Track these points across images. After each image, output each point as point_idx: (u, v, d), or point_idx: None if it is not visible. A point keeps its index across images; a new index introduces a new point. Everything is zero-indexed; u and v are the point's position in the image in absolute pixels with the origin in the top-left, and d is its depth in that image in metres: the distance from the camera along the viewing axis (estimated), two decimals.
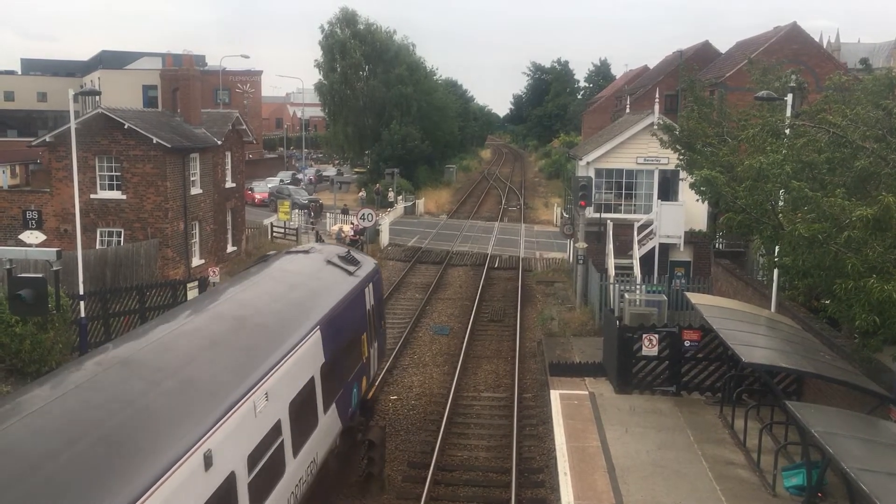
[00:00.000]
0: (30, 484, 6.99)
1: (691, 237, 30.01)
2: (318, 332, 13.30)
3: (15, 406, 8.34)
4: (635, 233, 30.09)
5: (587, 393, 19.28)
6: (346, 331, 15.25)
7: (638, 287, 26.49)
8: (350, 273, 17.02)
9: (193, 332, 11.32)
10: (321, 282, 15.87)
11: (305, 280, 15.57)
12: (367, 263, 18.91)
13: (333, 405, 14.03)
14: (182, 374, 9.72)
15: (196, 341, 10.96)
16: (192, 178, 33.29)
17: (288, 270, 16.04)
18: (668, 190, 31.73)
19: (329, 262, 17.17)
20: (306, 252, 18.03)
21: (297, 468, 11.69)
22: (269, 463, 10.37)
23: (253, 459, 9.80)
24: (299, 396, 11.91)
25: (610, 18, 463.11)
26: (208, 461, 8.54)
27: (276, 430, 10.82)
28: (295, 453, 11.54)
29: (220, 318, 12.17)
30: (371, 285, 18.00)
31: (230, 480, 9.05)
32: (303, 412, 12.08)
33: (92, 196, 30.89)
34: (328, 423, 13.62)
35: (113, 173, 31.25)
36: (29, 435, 7.74)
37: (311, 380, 12.67)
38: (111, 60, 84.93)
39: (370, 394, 18.74)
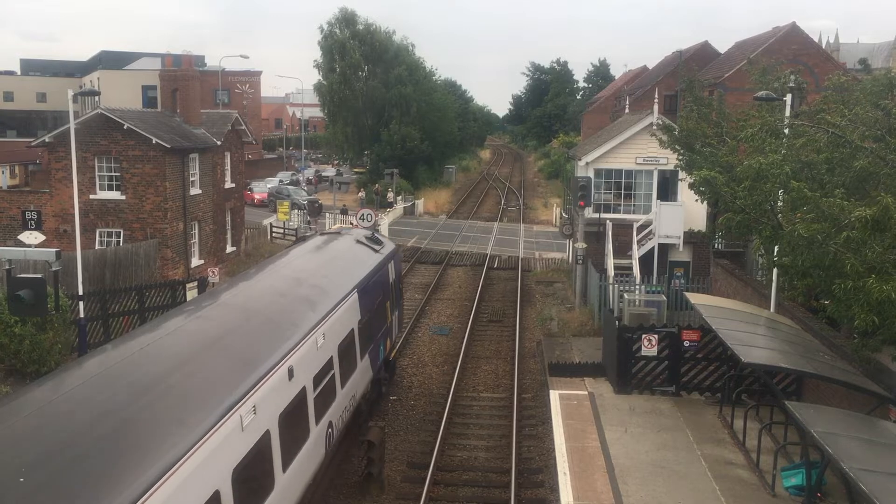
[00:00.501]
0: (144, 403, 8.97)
1: (690, 237, 30.02)
2: (356, 294, 16.71)
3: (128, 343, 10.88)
4: (634, 233, 30.10)
5: (587, 393, 19.28)
6: (375, 297, 18.50)
7: (637, 287, 26.50)
8: (375, 251, 20.21)
9: (267, 287, 14.82)
10: (354, 257, 19.18)
11: (341, 254, 18.96)
12: (389, 244, 22.41)
13: (367, 355, 17.45)
14: (267, 314, 13.19)
15: (268, 294, 14.28)
16: (191, 179, 33.28)
17: (326, 247, 19.39)
18: (667, 190, 31.75)
19: (358, 241, 20.43)
20: (338, 233, 21.30)
21: (343, 398, 15.19)
22: (326, 387, 13.96)
23: (316, 380, 13.36)
24: (344, 342, 15.34)
25: (609, 19, 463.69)
26: (291, 373, 11.98)
27: (329, 363, 14.30)
28: (342, 385, 15.12)
29: (284, 278, 15.60)
30: (392, 262, 21.37)
31: (303, 392, 12.57)
32: (346, 355, 15.55)
33: (91, 196, 30.89)
34: (363, 369, 17.16)
35: (112, 174, 31.24)
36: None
37: (352, 331, 16.10)
38: (110, 61, 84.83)
39: (391, 354, 21.71)
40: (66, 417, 8.25)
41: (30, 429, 7.93)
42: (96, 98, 38.48)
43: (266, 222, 48.24)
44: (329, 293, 15.41)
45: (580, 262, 29.18)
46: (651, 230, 30.29)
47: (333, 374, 14.41)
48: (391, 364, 21.64)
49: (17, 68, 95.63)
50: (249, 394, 10.34)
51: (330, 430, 14.12)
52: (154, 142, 30.40)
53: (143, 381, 9.42)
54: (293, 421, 11.94)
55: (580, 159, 33.03)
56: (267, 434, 10.70)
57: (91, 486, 7.26)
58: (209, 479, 8.72)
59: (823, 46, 75.11)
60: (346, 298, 15.83)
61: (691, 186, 19.81)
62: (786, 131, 17.24)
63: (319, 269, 17.10)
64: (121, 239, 31.14)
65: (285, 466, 11.39)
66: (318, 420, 13.32)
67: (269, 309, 13.38)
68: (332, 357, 14.34)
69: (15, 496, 6.81)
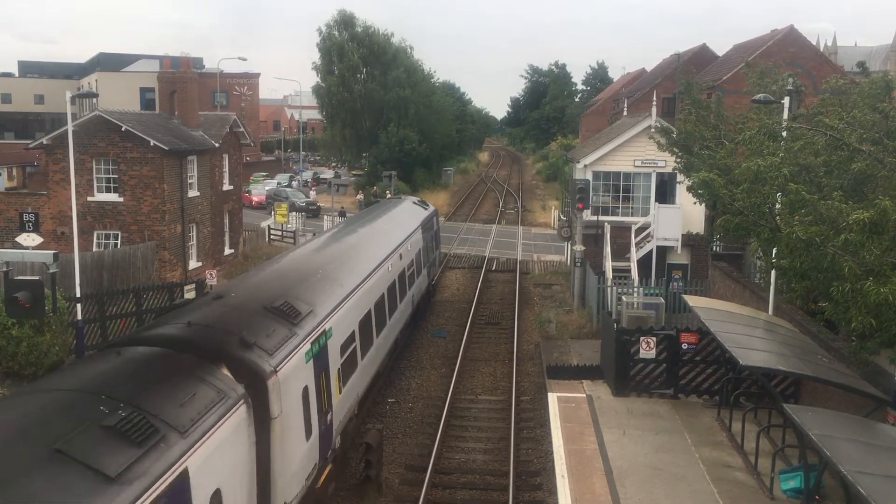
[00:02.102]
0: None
1: (689, 240, 30.05)
2: (420, 230, 28.45)
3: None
4: (633, 235, 30.10)
5: (585, 396, 19.26)
6: (428, 234, 30.29)
7: (635, 290, 26.50)
8: (425, 209, 32.48)
9: (379, 222, 26.16)
10: (413, 210, 31.11)
11: (407, 208, 30.87)
12: (431, 206, 34.45)
13: (425, 269, 28.71)
14: (384, 231, 24.62)
15: (381, 224, 25.77)
16: (189, 181, 33.25)
17: (398, 205, 31.04)
18: (665, 192, 31.76)
19: (413, 202, 33.17)
20: (399, 198, 34.86)
21: (418, 284, 26.97)
22: (411, 274, 25.27)
23: (407, 268, 24.43)
24: (414, 259, 26.11)
25: (607, 21, 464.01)
26: (400, 257, 23.30)
27: (411, 263, 25.49)
28: (417, 276, 26.72)
29: (384, 219, 26.93)
30: (435, 217, 33.87)
31: (404, 271, 23.83)
32: (414, 270, 26.14)
33: (89, 198, 30.84)
34: (423, 277, 28.32)
35: (110, 176, 31.20)
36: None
37: (419, 251, 27.55)
38: (108, 63, 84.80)
39: (434, 279, 33.24)
40: (301, 265, 18.11)
41: (288, 267, 17.87)
42: (94, 100, 38.48)
43: (264, 224, 48.18)
44: (407, 226, 27.21)
45: (578, 264, 29.18)
46: (649, 233, 30.31)
47: (413, 270, 25.84)
48: (433, 284, 33.19)
49: (15, 70, 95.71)
50: (388, 257, 21.92)
51: (413, 298, 25.66)
52: (152, 144, 30.37)
53: (321, 264, 18.35)
54: (400, 285, 23.30)
55: (578, 162, 33.05)
56: (382, 297, 20.43)
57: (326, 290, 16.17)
58: (364, 305, 18.30)
59: (821, 49, 75.20)
60: (414, 232, 27.34)
61: (689, 189, 19.86)
62: (784, 134, 17.27)
63: (398, 214, 28.83)
64: (118, 241, 31.10)
65: (391, 314, 21.52)
66: (409, 289, 24.77)
67: (383, 230, 25.01)
68: (412, 259, 25.87)
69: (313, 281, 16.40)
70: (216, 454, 9.83)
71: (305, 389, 13.05)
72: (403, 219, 28.01)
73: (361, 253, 20.52)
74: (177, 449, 8.98)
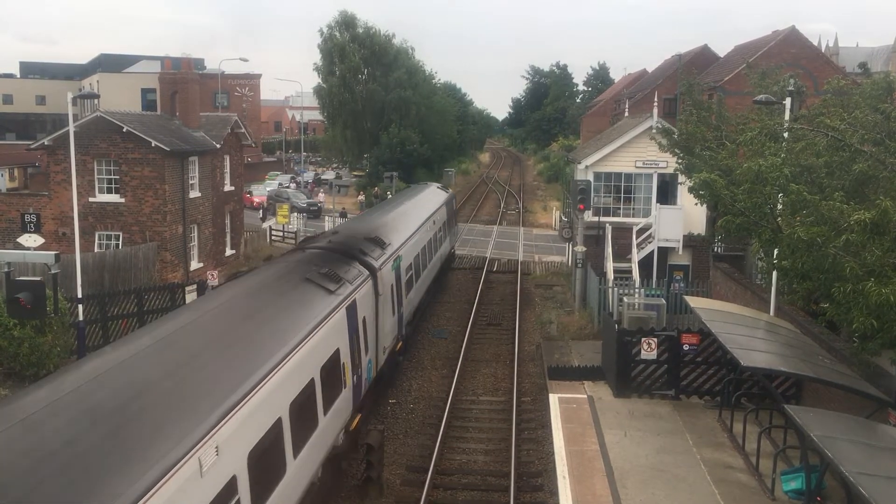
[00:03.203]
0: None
1: (690, 241, 30.03)
2: (445, 207, 35.81)
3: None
4: (634, 236, 30.09)
5: (586, 396, 19.26)
6: (451, 212, 38.28)
7: (637, 291, 26.49)
8: (446, 192, 40.95)
9: (413, 199, 33.44)
10: (437, 193, 38.31)
11: (431, 192, 37.84)
12: (450, 191, 44.03)
13: (447, 238, 35.69)
14: (420, 206, 31.89)
15: (416, 201, 32.90)
16: (190, 182, 33.28)
17: (424, 190, 38.06)
18: (666, 193, 31.75)
19: (437, 187, 41.95)
20: (426, 184, 43.72)
21: (444, 248, 34.45)
22: (439, 240, 31.89)
23: (434, 235, 30.85)
24: (441, 227, 33.12)
25: (609, 22, 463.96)
26: (433, 224, 31.08)
27: (440, 229, 32.93)
28: (441, 244, 32.99)
29: (416, 198, 33.98)
30: (454, 199, 42.89)
31: (436, 234, 31.73)
32: (435, 243, 31.05)
33: (90, 199, 30.88)
34: (446, 245, 35.01)
35: (111, 177, 31.23)
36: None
37: (444, 223, 34.39)
38: (110, 64, 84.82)
39: (453, 249, 40.73)
40: (377, 218, 26.62)
41: (369, 218, 27.06)
42: (95, 101, 38.53)
43: (265, 225, 48.18)
44: (435, 202, 34.67)
45: (579, 265, 29.17)
46: (650, 234, 30.29)
47: (441, 237, 32.80)
48: (453, 254, 40.16)
49: (16, 71, 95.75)
50: (430, 216, 30.62)
51: (442, 255, 33.15)
52: (153, 145, 30.40)
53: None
54: (436, 238, 31.27)
55: (580, 163, 33.04)
56: (424, 248, 27.57)
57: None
58: (416, 248, 26.11)
59: (823, 50, 75.19)
60: (441, 207, 34.75)
61: (691, 190, 19.81)
62: (785, 135, 17.25)
63: (426, 195, 35.91)
64: (120, 242, 31.13)
65: (430, 260, 29.20)
66: (437, 250, 31.44)
67: (417, 207, 31.27)
68: (440, 228, 32.71)
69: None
70: (363, 298, 17.55)
71: (392, 286, 20.88)
72: (432, 197, 36.06)
73: (410, 216, 28.39)
74: (350, 286, 16.84)
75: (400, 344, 22.75)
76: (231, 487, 9.18)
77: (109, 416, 8.44)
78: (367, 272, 18.60)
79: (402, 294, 22.45)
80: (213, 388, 9.84)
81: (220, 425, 9.11)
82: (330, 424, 14.13)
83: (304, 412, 12.38)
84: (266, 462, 10.50)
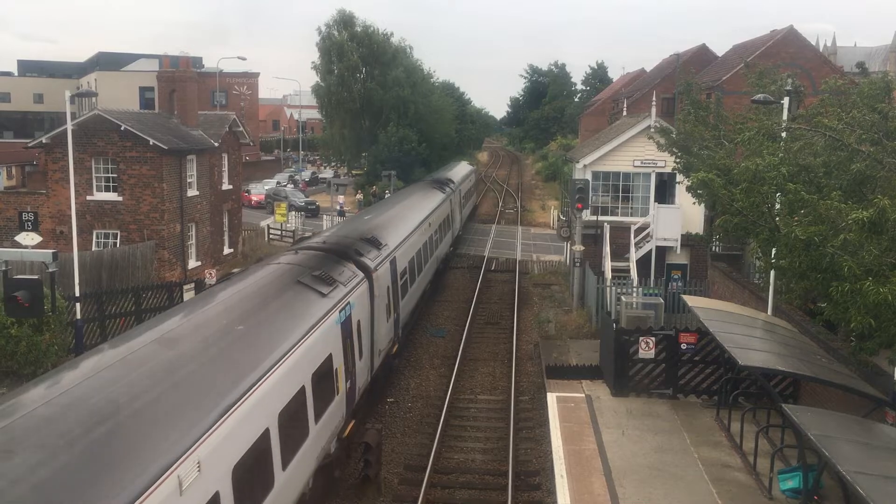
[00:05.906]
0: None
1: (688, 240, 30.04)
2: (448, 200, 38.38)
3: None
4: (632, 235, 30.10)
5: (584, 396, 19.27)
6: (466, 201, 48.63)
7: (635, 290, 26.50)
8: (450, 190, 41.29)
9: (416, 195, 34.84)
10: (434, 194, 37.32)
11: (433, 187, 38.96)
12: (456, 187, 43.94)
13: (449, 232, 37.42)
14: (420, 204, 32.35)
15: (418, 199, 33.55)
16: (188, 180, 33.25)
17: (425, 187, 39.27)
18: (664, 193, 31.77)
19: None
20: (428, 182, 42.69)
21: (445, 242, 35.73)
22: (440, 235, 33.25)
23: (436, 229, 32.18)
24: (442, 223, 34.43)
25: (607, 22, 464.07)
26: (429, 226, 30.20)
27: (445, 221, 36.12)
28: (442, 238, 34.22)
29: (420, 194, 35.57)
30: (457, 193, 43.74)
31: (434, 234, 31.25)
32: (442, 228, 33.99)
33: (88, 198, 30.85)
34: (447, 239, 36.22)
35: (109, 175, 31.21)
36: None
37: (447, 217, 37.03)
38: (108, 62, 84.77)
39: (456, 237, 42.56)
40: (374, 217, 26.27)
41: (367, 218, 26.28)
42: (93, 99, 38.46)
43: (264, 224, 48.17)
44: (433, 198, 35.24)
45: (578, 264, 29.17)
46: (648, 233, 30.31)
47: (443, 229, 33.65)
48: (458, 236, 43.54)
49: (14, 69, 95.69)
50: (432, 213, 31.75)
51: (448, 249, 36.40)
52: (151, 143, 30.38)
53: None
54: (436, 236, 31.39)
55: (578, 162, 33.05)
56: (422, 249, 27.28)
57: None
58: (412, 250, 25.42)
59: (821, 50, 75.22)
60: (444, 201, 36.65)
61: (689, 189, 19.84)
62: (783, 134, 17.27)
63: (432, 185, 39.37)
64: (118, 240, 31.10)
65: (431, 255, 29.79)
66: (435, 250, 30.91)
67: (419, 203, 32.11)
68: (442, 221, 34.51)
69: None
70: (358, 301, 17.11)
71: (388, 288, 20.48)
72: (431, 196, 36.10)
73: (407, 215, 28.20)
74: (345, 289, 16.45)
75: (396, 346, 22.30)
76: None
77: (82, 436, 7.87)
78: (363, 274, 18.18)
79: (398, 295, 22.09)
80: (195, 400, 9.37)
81: (202, 439, 8.64)
82: (322, 433, 13.64)
83: (293, 421, 11.89)
84: (252, 476, 9.98)
